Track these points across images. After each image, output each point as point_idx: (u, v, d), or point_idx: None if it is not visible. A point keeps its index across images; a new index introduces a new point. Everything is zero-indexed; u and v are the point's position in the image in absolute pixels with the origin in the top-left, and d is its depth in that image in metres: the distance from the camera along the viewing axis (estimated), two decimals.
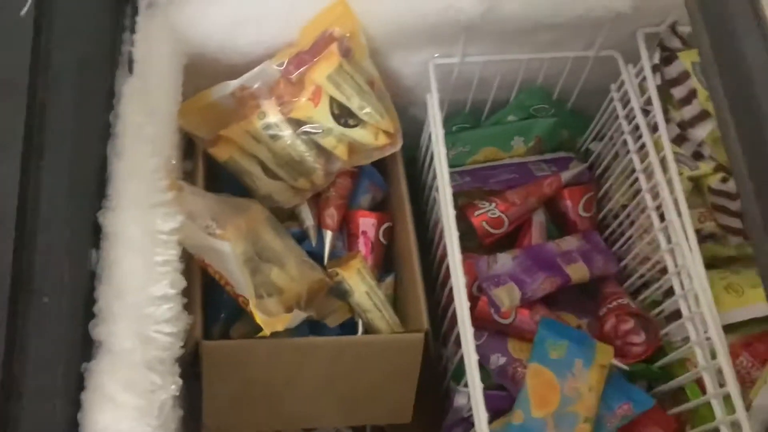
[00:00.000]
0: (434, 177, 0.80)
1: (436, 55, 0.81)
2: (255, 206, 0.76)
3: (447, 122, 0.93)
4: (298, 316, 0.68)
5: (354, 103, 0.76)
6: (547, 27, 0.77)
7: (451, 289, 0.72)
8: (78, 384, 0.49)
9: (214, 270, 0.68)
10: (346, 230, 0.85)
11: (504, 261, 0.78)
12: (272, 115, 0.75)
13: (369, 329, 0.78)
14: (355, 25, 0.73)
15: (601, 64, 0.84)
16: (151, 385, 0.50)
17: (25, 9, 0.54)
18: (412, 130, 0.89)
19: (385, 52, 0.79)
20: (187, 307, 0.60)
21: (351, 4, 0.73)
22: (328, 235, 0.83)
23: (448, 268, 0.74)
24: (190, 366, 0.69)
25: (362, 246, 0.83)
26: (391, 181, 0.88)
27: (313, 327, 0.78)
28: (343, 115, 0.77)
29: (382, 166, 0.89)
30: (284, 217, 0.86)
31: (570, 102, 0.92)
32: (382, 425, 0.83)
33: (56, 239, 0.51)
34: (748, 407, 0.68)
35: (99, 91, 0.60)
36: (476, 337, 0.79)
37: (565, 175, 0.88)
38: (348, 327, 0.80)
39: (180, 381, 0.53)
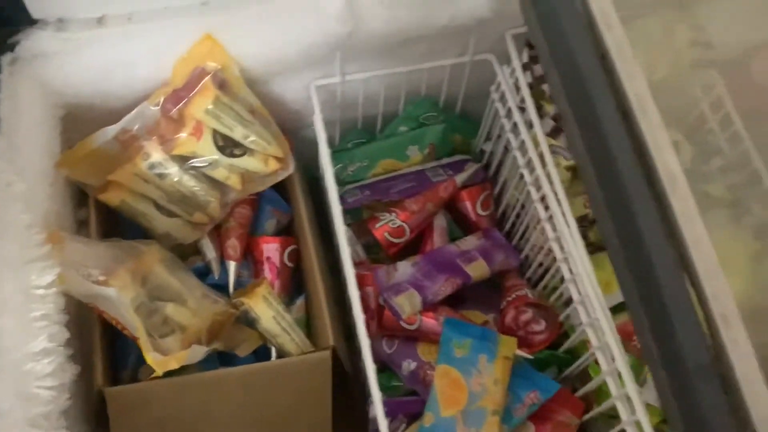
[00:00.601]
0: None
1: (317, 77, 0.83)
2: (151, 248, 0.76)
3: (343, 139, 0.95)
4: (197, 352, 0.68)
5: (237, 133, 0.77)
6: (418, 39, 0.80)
7: None
8: None
9: (110, 316, 0.68)
10: (251, 258, 0.86)
11: (404, 269, 0.80)
12: (156, 154, 0.76)
13: (281, 353, 0.79)
14: (226, 57, 0.74)
15: (479, 68, 0.87)
16: None
17: None
18: (310, 151, 0.91)
19: (265, 79, 0.81)
20: (88, 356, 0.60)
21: (220, 38, 0.74)
22: (232, 266, 0.83)
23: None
24: (101, 414, 0.68)
25: (268, 272, 0.84)
26: (293, 203, 0.89)
27: (224, 358, 0.79)
28: (228, 145, 0.78)
29: (285, 190, 0.90)
30: (190, 252, 0.86)
31: (457, 107, 0.95)
32: None
33: None
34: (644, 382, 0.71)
35: None
36: (388, 345, 0.81)
37: (460, 178, 0.90)
38: (262, 353, 0.81)
39: None
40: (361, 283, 0.78)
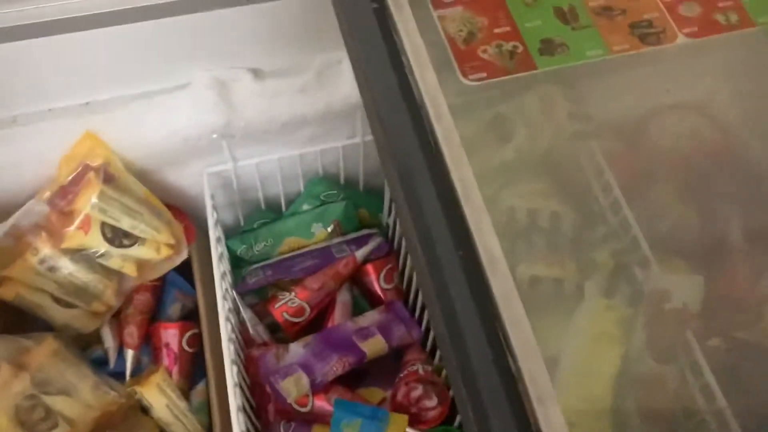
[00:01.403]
0: None
1: (210, 164, 0.86)
2: (42, 341, 0.77)
3: (249, 219, 0.97)
4: None
5: (125, 224, 0.79)
6: (302, 124, 0.83)
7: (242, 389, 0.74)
8: None
9: None
10: (152, 344, 0.87)
11: (295, 350, 0.81)
12: (45, 249, 0.78)
13: None
14: (108, 152, 0.77)
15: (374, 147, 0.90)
16: None
17: None
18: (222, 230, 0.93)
19: (156, 169, 0.83)
20: None
21: (103, 134, 0.77)
22: (129, 354, 0.84)
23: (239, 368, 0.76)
24: None
25: (165, 358, 0.85)
26: (196, 287, 0.90)
27: None
28: (117, 236, 0.80)
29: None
30: (93, 340, 0.87)
31: (360, 183, 0.97)
32: None
33: None
34: None
35: None
36: (284, 429, 0.81)
37: (361, 252, 0.92)
38: None
39: None
40: (250, 366, 0.78)
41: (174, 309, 0.91)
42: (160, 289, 0.89)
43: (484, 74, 0.63)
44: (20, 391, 0.70)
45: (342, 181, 0.96)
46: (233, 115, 0.77)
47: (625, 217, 0.74)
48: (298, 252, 0.95)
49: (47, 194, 0.78)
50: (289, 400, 0.75)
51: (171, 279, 0.90)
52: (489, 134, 0.71)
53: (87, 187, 0.77)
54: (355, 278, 0.94)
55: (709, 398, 0.59)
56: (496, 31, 0.65)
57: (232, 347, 0.74)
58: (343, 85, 0.77)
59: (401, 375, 0.80)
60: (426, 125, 0.58)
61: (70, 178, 0.77)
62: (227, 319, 0.76)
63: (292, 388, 0.76)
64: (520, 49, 0.64)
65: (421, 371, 0.80)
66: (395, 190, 0.56)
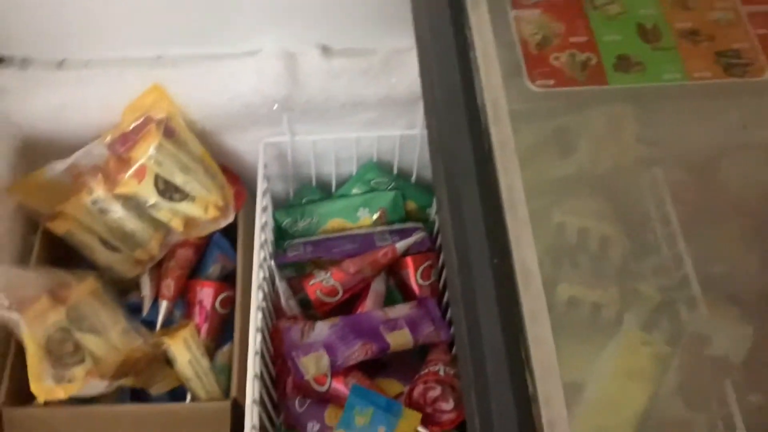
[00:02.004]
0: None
1: (269, 134, 0.86)
2: (83, 280, 0.80)
3: (297, 195, 0.98)
4: (93, 386, 0.70)
5: (178, 179, 0.81)
6: (363, 107, 0.83)
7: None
8: None
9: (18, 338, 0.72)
10: (186, 299, 0.89)
11: (321, 329, 0.81)
12: (99, 190, 0.80)
13: (193, 397, 0.81)
14: (172, 107, 0.79)
15: None
16: None
17: None
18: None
19: (216, 131, 0.85)
20: None
21: (169, 89, 0.78)
22: (163, 305, 0.86)
23: (264, 336, 0.77)
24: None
25: (197, 315, 0.86)
26: (237, 251, 0.92)
27: (138, 394, 0.81)
28: (169, 190, 0.81)
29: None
30: (132, 286, 0.90)
31: (413, 175, 0.96)
32: None
33: None
34: None
35: None
36: (299, 404, 0.82)
37: (402, 245, 0.91)
38: (180, 394, 0.83)
39: None
40: (276, 337, 0.79)
41: (214, 269, 0.92)
42: (203, 247, 0.91)
43: (552, 81, 0.61)
44: (54, 322, 0.73)
45: (395, 170, 0.95)
46: (296, 89, 0.77)
47: (679, 253, 0.70)
48: (341, 234, 0.95)
49: (108, 139, 0.80)
50: (306, 377, 0.76)
51: (216, 240, 0.91)
52: (548, 146, 0.68)
53: (147, 137, 0.79)
54: (393, 269, 0.93)
55: None
56: (572, 39, 0.62)
57: (260, 315, 0.75)
58: (408, 74, 0.76)
59: (421, 373, 0.80)
60: (483, 127, 0.57)
61: (132, 126, 0.79)
62: (260, 287, 0.77)
63: (312, 365, 0.76)
64: (594, 61, 0.61)
65: (442, 373, 0.79)
66: (439, 187, 0.55)
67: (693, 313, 0.65)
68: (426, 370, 0.80)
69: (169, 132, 0.80)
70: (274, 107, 0.79)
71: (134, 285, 0.90)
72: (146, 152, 0.79)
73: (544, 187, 0.67)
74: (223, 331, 0.89)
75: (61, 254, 0.86)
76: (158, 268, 0.89)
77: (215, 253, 0.93)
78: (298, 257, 0.90)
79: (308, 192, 0.97)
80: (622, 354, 0.65)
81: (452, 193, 0.54)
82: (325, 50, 0.77)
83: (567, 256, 0.69)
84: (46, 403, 0.72)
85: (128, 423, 0.72)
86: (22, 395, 0.74)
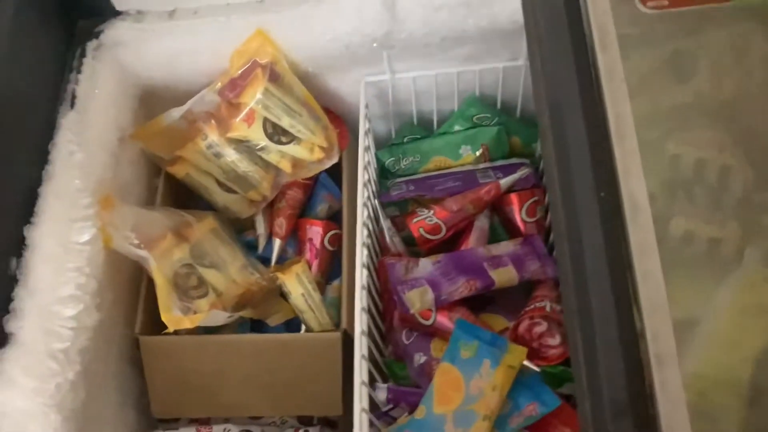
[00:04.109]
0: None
1: (369, 73, 0.87)
2: (204, 219, 0.86)
3: (399, 134, 0.98)
4: (216, 316, 0.76)
5: (284, 122, 0.83)
6: (464, 40, 0.81)
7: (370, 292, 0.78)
8: None
9: (148, 273, 0.78)
10: (297, 237, 0.93)
11: (425, 265, 0.82)
12: (212, 135, 0.85)
13: (307, 328, 0.85)
14: (276, 51, 0.81)
15: None
16: (48, 371, 0.60)
17: None
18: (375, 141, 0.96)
19: (319, 74, 0.86)
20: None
21: (272, 33, 0.80)
22: (276, 243, 0.91)
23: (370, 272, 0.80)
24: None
25: (308, 252, 0.90)
26: (342, 191, 0.94)
27: (257, 325, 0.87)
28: (277, 133, 0.84)
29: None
30: (248, 225, 0.95)
31: (518, 110, 0.94)
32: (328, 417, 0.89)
33: None
34: None
35: (38, 123, 0.71)
36: (406, 336, 0.84)
37: (506, 181, 0.90)
38: (295, 325, 0.88)
39: (78, 368, 0.63)
40: (381, 273, 0.82)
41: (321, 208, 0.96)
42: (311, 188, 0.94)
43: (667, 2, 0.57)
44: (180, 258, 0.79)
45: (498, 105, 0.93)
46: (395, 25, 0.76)
47: None
48: (443, 172, 0.95)
49: (219, 85, 0.83)
50: (412, 311, 0.78)
51: (322, 180, 0.94)
52: (661, 72, 0.64)
53: (254, 82, 0.81)
54: (497, 206, 0.92)
55: None
56: None
57: (365, 252, 0.77)
58: (510, 2, 0.73)
59: (527, 308, 0.80)
60: (589, 54, 0.54)
61: (239, 72, 0.82)
62: (364, 224, 0.79)
63: (417, 300, 0.78)
64: None
65: (548, 308, 0.79)
66: (542, 118, 0.53)
67: None
68: (532, 306, 0.80)
69: (274, 76, 0.82)
70: (374, 45, 0.79)
71: (250, 224, 0.95)
72: (254, 97, 0.82)
73: (657, 117, 0.63)
74: (332, 267, 0.93)
75: (182, 196, 0.93)
76: (270, 208, 0.93)
77: (322, 192, 0.96)
78: (401, 196, 0.91)
79: (410, 130, 0.97)
80: (742, 290, 0.61)
81: (556, 123, 0.52)
82: None
83: (682, 189, 0.66)
84: (176, 332, 0.79)
85: (248, 351, 0.78)
86: (155, 325, 0.82)
